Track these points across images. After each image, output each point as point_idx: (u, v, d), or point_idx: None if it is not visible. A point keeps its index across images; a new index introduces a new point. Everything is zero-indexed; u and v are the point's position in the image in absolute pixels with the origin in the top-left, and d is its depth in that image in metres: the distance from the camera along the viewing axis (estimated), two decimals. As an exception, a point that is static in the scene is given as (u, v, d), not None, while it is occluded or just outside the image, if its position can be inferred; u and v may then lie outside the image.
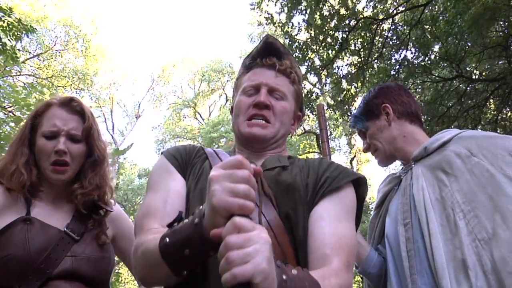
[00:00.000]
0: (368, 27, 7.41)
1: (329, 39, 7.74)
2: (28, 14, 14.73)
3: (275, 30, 9.65)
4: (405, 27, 7.84)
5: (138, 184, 20.02)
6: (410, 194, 1.42)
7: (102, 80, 20.06)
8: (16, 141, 1.41)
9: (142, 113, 22.38)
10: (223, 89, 22.75)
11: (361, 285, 12.51)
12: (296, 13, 7.92)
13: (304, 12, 7.82)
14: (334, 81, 8.61)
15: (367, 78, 7.86)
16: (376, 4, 8.14)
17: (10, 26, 5.42)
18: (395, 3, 8.26)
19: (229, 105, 19.60)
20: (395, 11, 7.87)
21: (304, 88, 8.35)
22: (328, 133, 2.80)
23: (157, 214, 0.99)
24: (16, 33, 5.49)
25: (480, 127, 8.15)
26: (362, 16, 7.63)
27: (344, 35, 7.59)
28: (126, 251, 1.54)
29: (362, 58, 7.81)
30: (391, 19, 7.80)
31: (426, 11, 7.43)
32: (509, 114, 8.80)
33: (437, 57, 8.11)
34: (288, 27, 8.26)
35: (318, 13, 7.50)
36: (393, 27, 7.90)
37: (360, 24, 7.36)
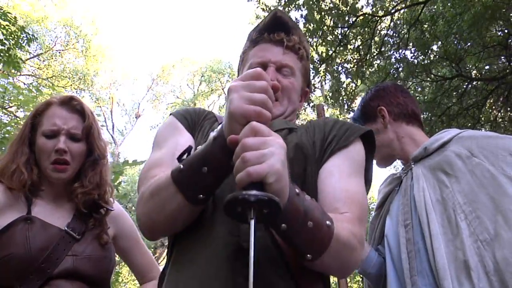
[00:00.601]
0: (368, 24, 7.40)
1: (329, 38, 7.72)
2: (28, 14, 14.76)
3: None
4: (404, 26, 7.84)
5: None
6: (411, 195, 1.41)
7: (102, 80, 20.07)
8: (16, 141, 1.40)
9: (142, 112, 22.38)
10: (223, 89, 22.73)
11: (361, 285, 12.53)
12: (293, 8, 7.84)
13: (302, 7, 7.77)
14: (334, 77, 8.57)
15: (366, 76, 7.85)
16: (376, 2, 8.13)
17: (13, 35, 5.44)
18: (393, 2, 8.24)
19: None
20: (394, 10, 7.86)
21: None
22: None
23: (163, 164, 0.92)
24: (18, 42, 5.53)
25: (479, 126, 8.15)
26: (361, 13, 7.61)
27: (343, 31, 7.57)
28: (127, 250, 1.54)
29: (362, 56, 7.80)
30: (390, 17, 7.80)
31: (426, 11, 7.43)
32: (509, 114, 8.80)
33: (437, 56, 8.11)
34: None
35: (316, 9, 7.46)
36: (393, 25, 7.90)
37: (359, 21, 7.34)
